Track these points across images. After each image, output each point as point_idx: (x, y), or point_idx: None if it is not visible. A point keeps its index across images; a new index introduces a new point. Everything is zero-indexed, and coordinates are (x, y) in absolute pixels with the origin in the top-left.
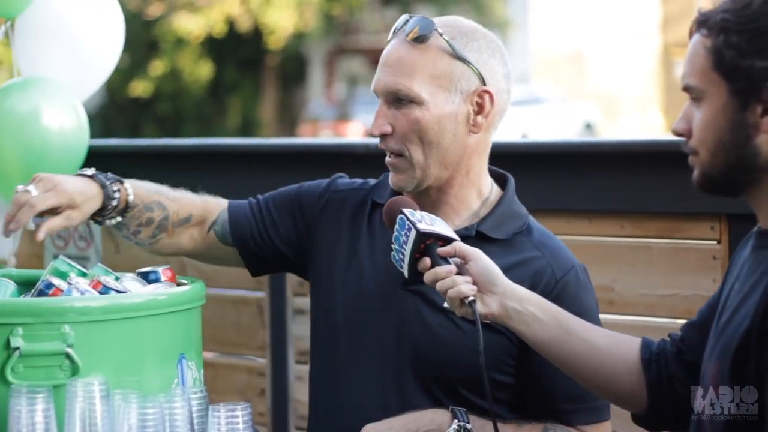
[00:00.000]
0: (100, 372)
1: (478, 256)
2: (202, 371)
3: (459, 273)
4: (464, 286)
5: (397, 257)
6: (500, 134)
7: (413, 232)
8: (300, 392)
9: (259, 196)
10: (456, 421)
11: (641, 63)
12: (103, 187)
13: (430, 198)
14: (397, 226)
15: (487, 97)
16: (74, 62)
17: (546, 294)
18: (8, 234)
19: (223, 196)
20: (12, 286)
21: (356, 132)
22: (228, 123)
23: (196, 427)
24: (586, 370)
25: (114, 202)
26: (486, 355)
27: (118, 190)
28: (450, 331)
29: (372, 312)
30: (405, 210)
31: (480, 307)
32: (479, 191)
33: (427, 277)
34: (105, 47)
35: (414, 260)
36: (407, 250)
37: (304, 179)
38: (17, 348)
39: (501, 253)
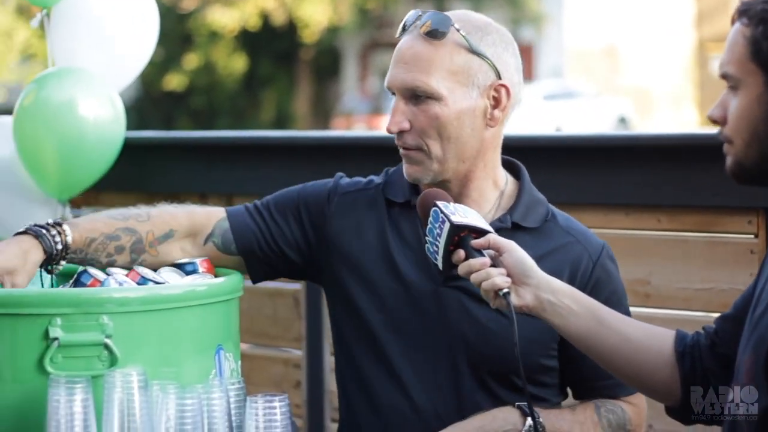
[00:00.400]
0: (138, 363)
1: (512, 247)
2: (239, 363)
3: (493, 265)
4: (498, 278)
5: (431, 249)
6: (536, 128)
7: (447, 225)
8: (335, 384)
9: (257, 202)
10: (529, 417)
11: (675, 58)
12: (38, 236)
13: (451, 192)
14: (430, 218)
15: (503, 90)
16: (109, 54)
17: (585, 278)
18: None
19: (261, 188)
20: (49, 276)
21: None
22: (262, 116)
23: (233, 419)
24: (621, 362)
25: (59, 246)
26: (532, 342)
27: (58, 233)
28: (498, 323)
29: (415, 310)
30: (439, 202)
31: (514, 299)
32: (495, 182)
33: (462, 269)
34: (140, 39)
35: (448, 252)
36: (441, 242)
37: (341, 171)
38: (56, 338)
39: (534, 241)
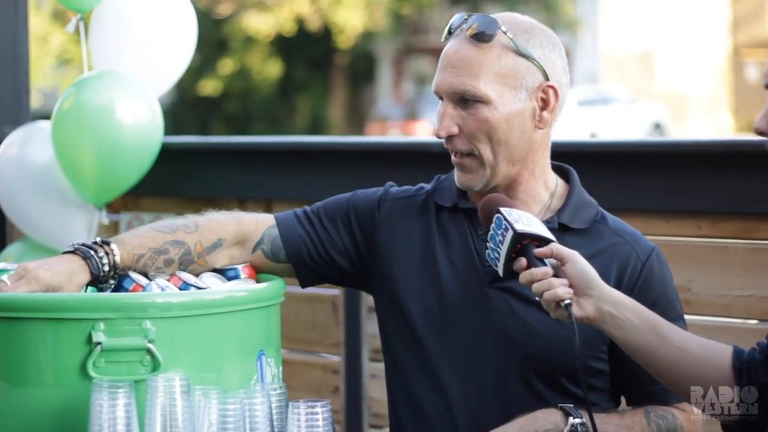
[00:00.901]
0: (180, 368)
1: (575, 258)
2: (280, 368)
3: (555, 275)
4: (561, 288)
5: (492, 256)
6: (571, 134)
7: (510, 233)
8: (374, 390)
9: (307, 208)
10: (570, 418)
11: (710, 63)
12: (86, 258)
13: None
14: (493, 224)
15: (551, 92)
16: (146, 60)
17: (634, 279)
18: None
19: (299, 193)
20: None
21: (425, 131)
22: (297, 122)
23: (275, 424)
24: (679, 377)
25: (106, 268)
26: (584, 344)
27: (106, 254)
28: (545, 323)
29: (460, 314)
30: (502, 209)
31: (575, 310)
32: (546, 184)
33: (523, 277)
34: (177, 45)
35: (510, 260)
36: (503, 249)
37: (381, 178)
38: (99, 343)
39: (582, 242)
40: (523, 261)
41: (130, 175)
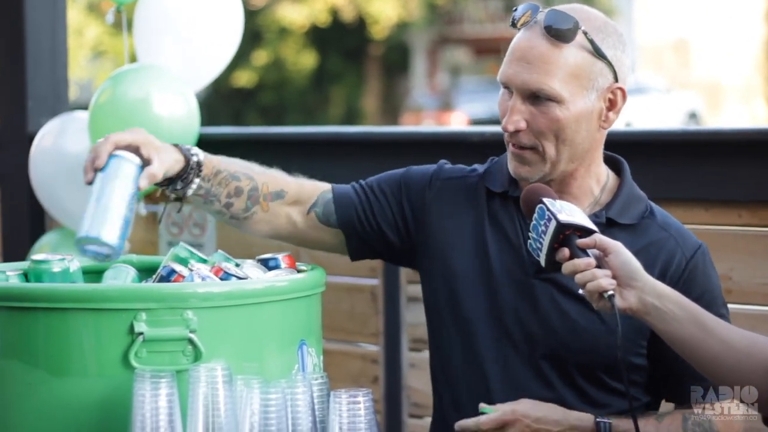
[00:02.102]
0: (222, 358)
1: (618, 249)
2: (321, 357)
3: (598, 266)
4: (604, 280)
5: (534, 246)
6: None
7: (553, 223)
8: (413, 379)
9: (362, 181)
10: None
11: (745, 52)
12: (176, 146)
13: (552, 189)
14: (536, 215)
15: (619, 93)
16: (189, 54)
17: (678, 274)
18: (90, 180)
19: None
20: (132, 272)
21: (459, 121)
22: (331, 113)
23: (317, 413)
24: (722, 370)
25: (195, 158)
26: (624, 339)
27: (195, 153)
28: (587, 318)
29: (505, 301)
30: (545, 199)
31: (618, 302)
32: (598, 179)
33: (566, 268)
34: (222, 41)
35: (552, 250)
36: (546, 240)
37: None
38: (141, 333)
39: (629, 237)
40: (565, 251)
41: None
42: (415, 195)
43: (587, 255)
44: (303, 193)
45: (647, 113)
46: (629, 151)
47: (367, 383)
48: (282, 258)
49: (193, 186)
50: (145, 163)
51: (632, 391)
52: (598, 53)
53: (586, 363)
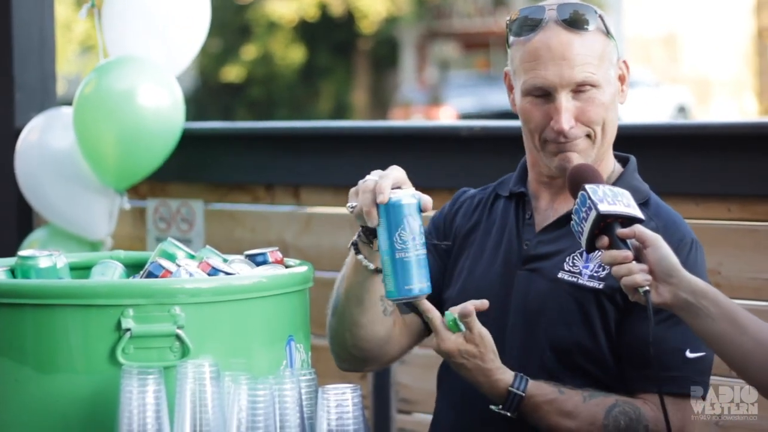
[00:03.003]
0: (210, 354)
1: (657, 243)
2: (309, 353)
3: (636, 258)
4: (639, 275)
5: (576, 229)
6: None
7: (593, 213)
8: (402, 375)
9: None
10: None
11: (734, 46)
12: None
13: None
14: (578, 200)
15: (623, 66)
16: (160, 42)
17: None
18: (376, 222)
19: (328, 179)
20: (120, 267)
21: (448, 116)
22: (320, 107)
23: (305, 410)
24: (753, 368)
25: None
26: (590, 322)
27: None
28: (561, 302)
29: (493, 293)
30: (588, 186)
31: (654, 296)
32: (607, 167)
33: (604, 258)
34: (191, 26)
35: (593, 236)
36: (587, 227)
37: (408, 162)
38: (128, 329)
39: None
40: (605, 240)
41: (151, 160)
42: (446, 229)
43: (626, 245)
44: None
45: (636, 107)
46: (619, 145)
47: (355, 379)
48: (270, 254)
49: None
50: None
51: (598, 375)
52: (608, 32)
53: (561, 347)
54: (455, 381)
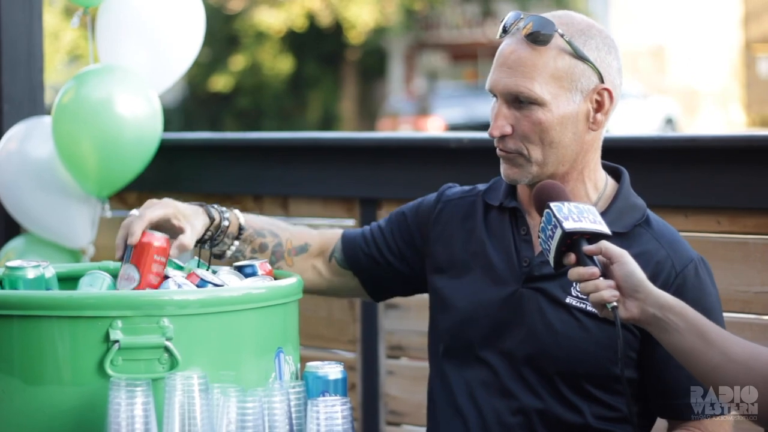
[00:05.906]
0: (198, 366)
1: (623, 259)
2: (299, 365)
3: (603, 274)
4: (606, 291)
5: (544, 246)
6: None
7: (559, 231)
8: (391, 386)
9: (380, 220)
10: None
11: (722, 58)
12: (202, 206)
13: None
14: (543, 218)
15: (606, 94)
16: (153, 54)
17: (666, 286)
18: (121, 256)
19: (317, 189)
20: (108, 278)
21: (436, 126)
22: (308, 117)
23: (294, 422)
24: (722, 381)
25: (226, 222)
26: (609, 350)
27: (227, 212)
28: (570, 326)
29: (494, 312)
30: (552, 204)
31: (621, 312)
32: (595, 185)
33: (571, 275)
34: (185, 40)
35: (560, 254)
36: (553, 244)
37: (397, 174)
38: (116, 341)
39: (620, 245)
40: (572, 257)
41: (131, 168)
42: (423, 222)
43: (593, 261)
44: (325, 243)
45: (624, 119)
46: (608, 157)
47: None
48: (259, 265)
49: (232, 247)
50: (177, 232)
51: (618, 401)
52: (578, 55)
53: (569, 372)
54: (445, 383)
